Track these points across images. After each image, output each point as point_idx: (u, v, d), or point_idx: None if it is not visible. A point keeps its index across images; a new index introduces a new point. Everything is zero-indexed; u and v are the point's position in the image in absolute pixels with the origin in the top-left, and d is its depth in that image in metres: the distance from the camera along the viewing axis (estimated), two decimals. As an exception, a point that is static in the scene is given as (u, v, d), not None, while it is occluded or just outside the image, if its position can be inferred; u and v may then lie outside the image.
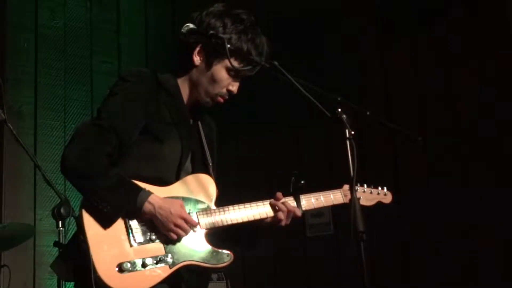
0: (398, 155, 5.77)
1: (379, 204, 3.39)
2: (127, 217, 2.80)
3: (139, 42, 6.38)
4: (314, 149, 6.17)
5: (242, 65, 2.98)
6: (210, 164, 3.15)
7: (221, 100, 3.09)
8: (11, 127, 3.39)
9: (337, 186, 3.28)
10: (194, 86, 3.08)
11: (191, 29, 2.91)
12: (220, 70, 3.02)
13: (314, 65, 5.87)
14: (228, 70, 3.01)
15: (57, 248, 4.34)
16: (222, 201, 3.08)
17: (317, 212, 6.12)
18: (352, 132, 2.56)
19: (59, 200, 4.31)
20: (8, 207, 5.25)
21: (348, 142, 2.55)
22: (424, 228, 5.56)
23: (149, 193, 2.82)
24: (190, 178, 3.01)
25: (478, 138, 5.40)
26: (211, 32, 2.83)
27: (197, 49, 3.01)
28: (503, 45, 5.39)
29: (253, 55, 2.99)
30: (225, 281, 5.21)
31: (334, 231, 6.06)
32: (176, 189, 2.96)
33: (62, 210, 4.26)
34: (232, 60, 2.90)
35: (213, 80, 3.03)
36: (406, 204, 5.59)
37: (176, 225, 2.83)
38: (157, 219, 2.81)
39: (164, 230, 2.83)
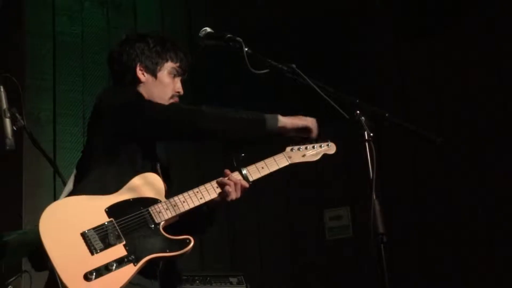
0: (416, 156, 5.75)
1: (325, 156, 3.38)
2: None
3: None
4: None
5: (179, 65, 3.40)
6: (158, 164, 3.27)
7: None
8: (31, 133, 3.41)
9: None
10: (150, 99, 3.31)
11: (209, 33, 2.92)
12: (165, 75, 3.39)
13: (331, 68, 5.86)
14: (169, 72, 3.39)
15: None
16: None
17: (336, 215, 6.11)
18: (371, 134, 2.56)
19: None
20: (28, 213, 5.27)
21: (367, 144, 2.55)
22: (443, 229, 5.54)
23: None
24: (135, 180, 3.09)
25: (496, 139, 5.38)
26: (228, 35, 2.84)
27: (138, 67, 3.37)
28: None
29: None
30: (245, 284, 5.21)
31: (354, 234, 6.05)
32: (125, 193, 3.05)
33: (81, 216, 4.28)
34: (170, 62, 3.38)
35: (164, 86, 3.37)
36: (425, 205, 5.58)
37: None
38: None
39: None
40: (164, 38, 3.48)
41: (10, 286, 4.40)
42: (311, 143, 3.36)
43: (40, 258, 2.91)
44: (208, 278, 5.15)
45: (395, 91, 5.97)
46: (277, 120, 3.14)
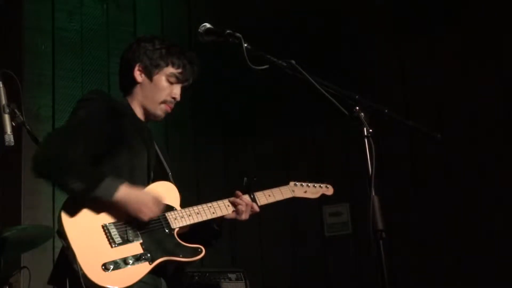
0: (414, 152, 5.76)
1: (323, 196, 3.82)
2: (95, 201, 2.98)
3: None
4: (331, 147, 6.16)
5: (180, 70, 3.39)
6: (169, 173, 3.42)
7: (169, 108, 3.42)
8: (30, 129, 3.41)
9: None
10: (143, 101, 3.39)
11: (208, 29, 2.91)
12: (162, 79, 3.39)
13: (330, 64, 5.85)
14: (168, 77, 3.39)
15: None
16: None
17: (335, 212, 6.11)
18: (370, 130, 2.55)
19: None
20: (27, 209, 5.27)
21: (366, 140, 2.55)
22: (441, 226, 5.54)
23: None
24: (153, 186, 3.24)
25: (496, 136, 5.38)
26: (228, 31, 2.84)
27: (136, 67, 3.39)
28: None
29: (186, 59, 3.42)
30: (244, 281, 5.21)
31: (353, 230, 6.05)
32: None
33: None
34: (170, 67, 3.37)
35: (158, 90, 3.38)
36: (423, 202, 5.58)
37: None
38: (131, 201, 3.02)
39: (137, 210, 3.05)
40: (172, 43, 3.48)
41: (10, 282, 4.40)
42: (311, 181, 3.79)
43: (61, 274, 3.02)
44: (207, 274, 5.14)
45: (396, 88, 5.97)
46: (114, 190, 2.98)
